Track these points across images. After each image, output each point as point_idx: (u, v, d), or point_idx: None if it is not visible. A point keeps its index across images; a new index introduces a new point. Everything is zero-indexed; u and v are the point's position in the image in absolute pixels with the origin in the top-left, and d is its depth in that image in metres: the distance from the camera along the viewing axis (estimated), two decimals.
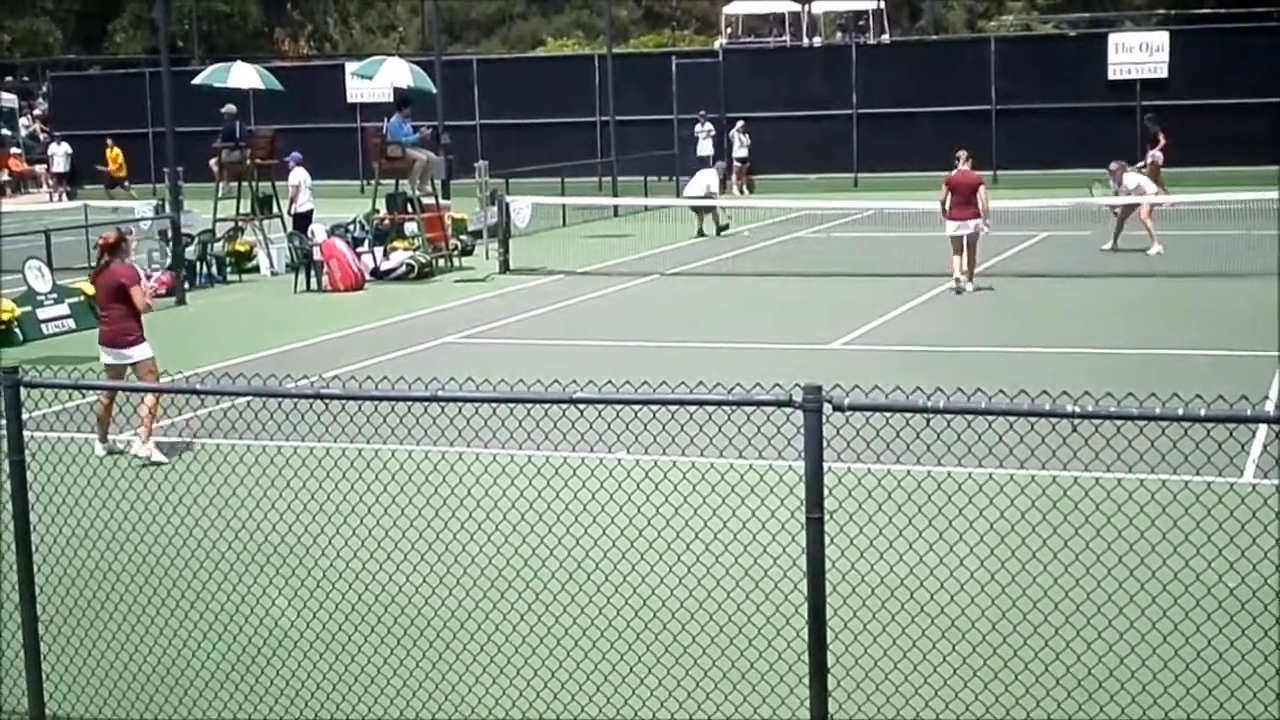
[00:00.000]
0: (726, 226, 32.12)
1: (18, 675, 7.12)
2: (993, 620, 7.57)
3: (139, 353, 12.90)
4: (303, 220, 27.11)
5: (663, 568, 7.86)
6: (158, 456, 12.63)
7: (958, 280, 21.67)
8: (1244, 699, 6.58)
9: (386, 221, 26.87)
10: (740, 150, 43.21)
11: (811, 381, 5.42)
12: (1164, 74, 41.80)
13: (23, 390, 6.68)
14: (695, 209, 31.86)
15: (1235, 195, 28.17)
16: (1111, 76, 42.19)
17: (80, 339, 18.59)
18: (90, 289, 21.37)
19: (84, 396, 13.52)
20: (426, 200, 27.14)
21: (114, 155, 45.39)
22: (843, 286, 22.91)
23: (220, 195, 27.70)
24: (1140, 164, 26.53)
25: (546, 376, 6.83)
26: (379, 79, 29.94)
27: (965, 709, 6.89)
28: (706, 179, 32.30)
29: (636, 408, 6.08)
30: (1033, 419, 5.34)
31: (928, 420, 5.80)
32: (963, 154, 21.97)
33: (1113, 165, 26.25)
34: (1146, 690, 6.82)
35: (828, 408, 5.35)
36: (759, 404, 5.50)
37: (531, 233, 30.60)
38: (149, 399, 12.64)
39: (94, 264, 13.84)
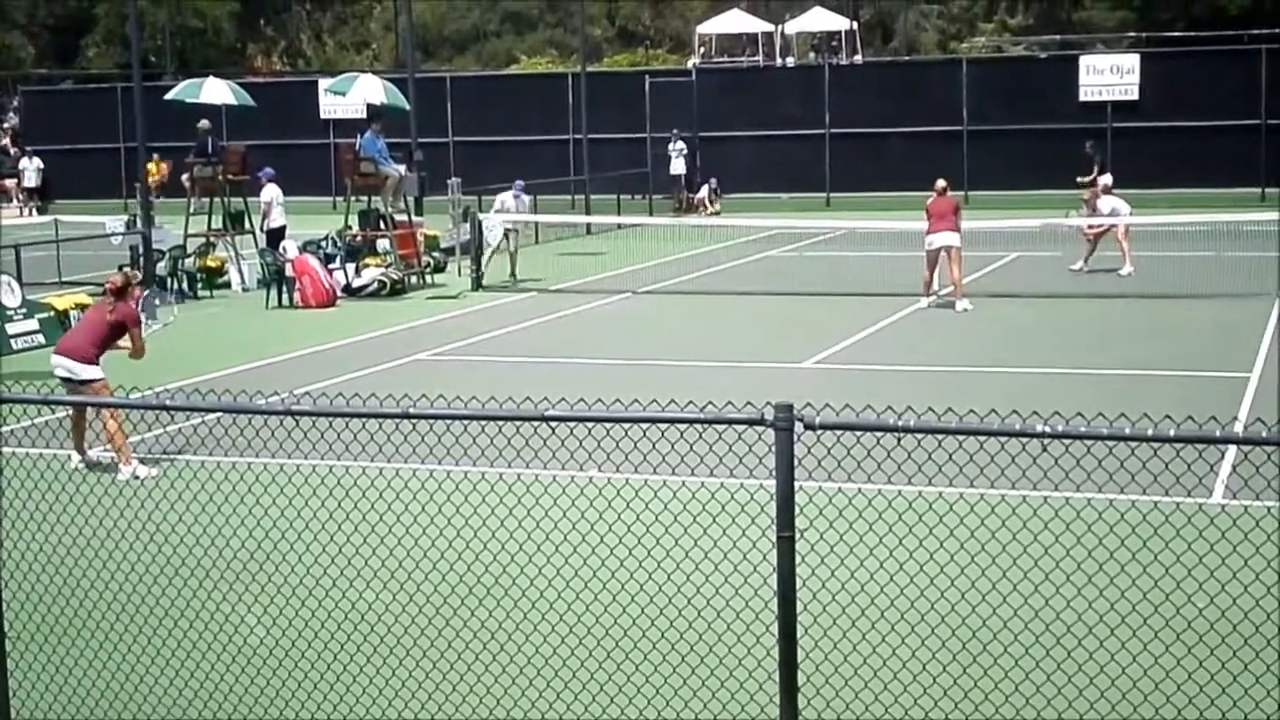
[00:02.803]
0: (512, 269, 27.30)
1: None
2: (963, 639, 7.59)
3: (90, 372, 12.80)
4: (275, 236, 27.05)
5: (633, 586, 7.85)
6: (142, 472, 12.57)
7: (932, 295, 22.06)
8: (1213, 718, 6.60)
9: (359, 238, 26.83)
10: (708, 190, 43.33)
11: (783, 400, 5.42)
12: (1134, 96, 42.05)
13: None
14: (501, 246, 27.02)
15: (1205, 216, 28.35)
16: (1082, 98, 42.40)
17: (49, 354, 18.48)
18: (60, 304, 21.36)
19: (53, 412, 13.45)
20: (399, 217, 27.11)
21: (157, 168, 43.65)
22: (815, 306, 22.96)
23: (192, 211, 27.62)
24: (1090, 191, 26.87)
25: (518, 394, 6.81)
26: (352, 95, 29.91)
27: None
28: (512, 204, 27.82)
29: (608, 425, 6.08)
30: (1003, 438, 5.35)
31: (898, 439, 5.81)
32: (941, 183, 22.77)
33: (1086, 195, 26.72)
34: (1115, 710, 6.84)
35: (799, 426, 5.35)
36: (730, 422, 5.50)
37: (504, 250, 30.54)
38: (110, 423, 12.55)
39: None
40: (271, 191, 27.66)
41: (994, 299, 22.69)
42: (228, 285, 26.89)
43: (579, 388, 11.97)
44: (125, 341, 13.30)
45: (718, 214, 42.04)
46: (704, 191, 43.39)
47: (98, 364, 12.87)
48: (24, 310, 20.82)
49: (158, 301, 20.62)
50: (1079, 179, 32.09)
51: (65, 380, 12.83)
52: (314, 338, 20.68)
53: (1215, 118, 40.76)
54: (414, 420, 6.02)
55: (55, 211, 40.49)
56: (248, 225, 27.76)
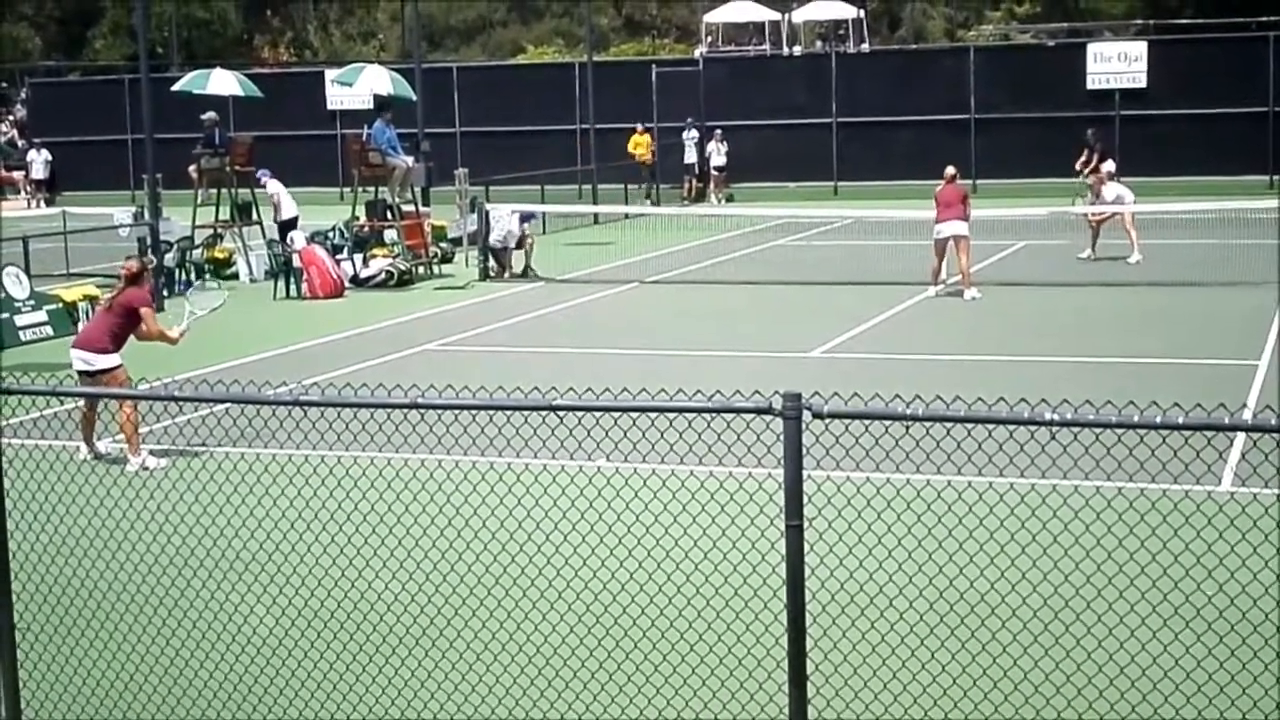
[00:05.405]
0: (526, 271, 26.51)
1: None
2: (971, 628, 7.59)
3: (106, 361, 12.82)
4: (287, 227, 27.08)
5: (642, 575, 7.86)
6: (152, 463, 12.60)
7: (940, 284, 22.04)
8: (1221, 706, 6.60)
9: (366, 228, 26.84)
10: (718, 159, 43.14)
11: (791, 389, 5.42)
12: (1142, 84, 41.95)
13: (0, 397, 6.65)
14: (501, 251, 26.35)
15: (1213, 205, 28.28)
16: (1090, 86, 42.29)
17: (57, 346, 18.53)
18: (68, 296, 21.39)
19: (61, 403, 13.46)
20: (406, 207, 27.12)
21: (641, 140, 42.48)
22: (822, 295, 22.94)
23: (199, 202, 27.64)
24: (1089, 176, 26.78)
25: (526, 384, 6.84)
26: (359, 86, 29.91)
27: (944, 716, 6.90)
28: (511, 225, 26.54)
29: (616, 415, 6.08)
30: (1012, 426, 5.34)
31: (907, 428, 5.80)
32: (950, 170, 22.69)
33: (1090, 180, 26.66)
34: (1125, 698, 6.83)
35: (807, 415, 5.35)
36: (739, 411, 5.50)
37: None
38: (128, 410, 12.58)
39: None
40: (277, 185, 27.71)
41: (1002, 287, 22.67)
42: (236, 276, 26.91)
43: (587, 378, 11.98)
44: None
45: (725, 200, 42.03)
46: (712, 146, 42.93)
47: (115, 353, 12.89)
48: (32, 302, 20.85)
49: (207, 286, 20.55)
50: (1078, 166, 31.87)
51: (82, 373, 12.85)
52: (322, 328, 20.69)
53: (1223, 105, 40.65)
54: (422, 410, 6.02)
55: (63, 203, 40.51)
56: (255, 216, 27.78)
